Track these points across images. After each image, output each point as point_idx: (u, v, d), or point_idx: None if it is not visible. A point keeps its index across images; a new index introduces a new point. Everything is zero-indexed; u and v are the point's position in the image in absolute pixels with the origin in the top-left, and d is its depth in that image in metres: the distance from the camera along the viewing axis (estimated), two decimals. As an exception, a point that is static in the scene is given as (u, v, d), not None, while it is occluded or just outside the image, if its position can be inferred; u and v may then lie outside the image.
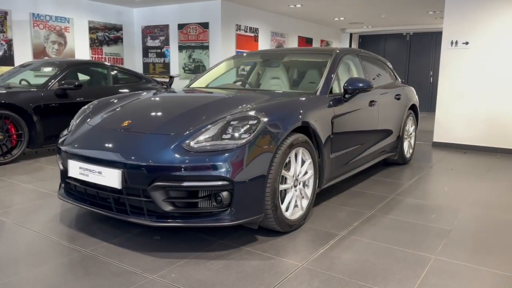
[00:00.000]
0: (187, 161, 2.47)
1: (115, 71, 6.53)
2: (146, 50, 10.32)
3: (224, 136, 2.60)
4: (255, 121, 2.67)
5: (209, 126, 2.67)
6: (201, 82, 4.44)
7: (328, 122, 3.34)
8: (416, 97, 5.60)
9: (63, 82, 5.57)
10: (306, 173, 3.07)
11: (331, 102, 3.46)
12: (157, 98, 3.55)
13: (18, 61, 8.01)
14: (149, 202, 2.55)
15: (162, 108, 3.15)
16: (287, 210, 2.89)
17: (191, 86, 4.35)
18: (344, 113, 3.60)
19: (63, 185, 3.11)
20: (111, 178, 2.58)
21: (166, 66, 9.91)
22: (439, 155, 6.09)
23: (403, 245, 2.76)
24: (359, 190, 4.08)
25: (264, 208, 2.66)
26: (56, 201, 3.57)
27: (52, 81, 5.56)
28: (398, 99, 4.91)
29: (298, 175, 2.99)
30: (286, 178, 2.88)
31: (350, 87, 3.63)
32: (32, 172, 4.65)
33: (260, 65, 4.62)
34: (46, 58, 8.56)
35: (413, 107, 5.38)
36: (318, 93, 3.51)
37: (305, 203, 3.09)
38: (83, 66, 6.21)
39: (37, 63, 6.33)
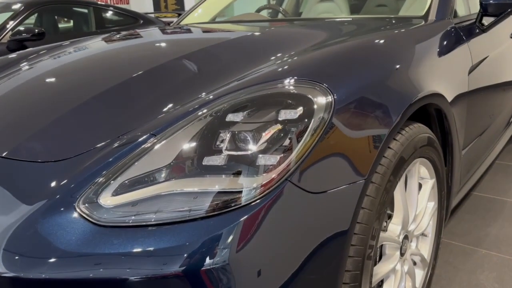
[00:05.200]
0: (82, 264, 0.76)
1: (101, 11, 4.77)
2: (156, -17, 8.42)
3: (208, 162, 0.84)
4: (300, 112, 0.88)
5: (163, 130, 0.92)
6: (203, 13, 2.62)
7: (464, 81, 1.48)
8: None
9: (21, 29, 3.91)
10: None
11: (463, 36, 1.58)
12: (78, 55, 1.68)
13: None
14: None
15: (56, 88, 1.30)
16: (384, 314, 1.16)
17: (183, 22, 2.53)
18: (484, 58, 1.71)
19: None
20: None
21: (180, 0, 8.01)
22: None
23: None
24: (488, 196, 2.24)
25: None
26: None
27: (5, 29, 3.92)
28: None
29: (410, 226, 1.22)
30: (381, 246, 1.13)
31: (492, 1, 1.69)
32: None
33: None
34: (30, 1, 6.90)
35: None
36: (430, 16, 1.62)
37: (419, 276, 1.33)
38: (52, 5, 4.48)
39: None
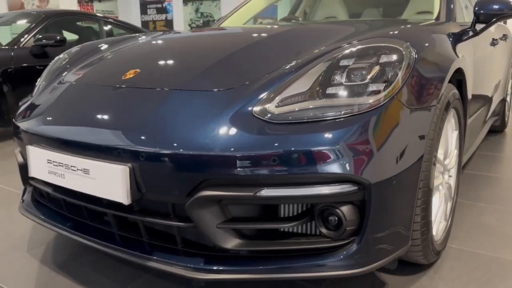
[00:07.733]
0: (266, 144, 1.15)
1: (109, 25, 5.11)
2: (144, 6, 8.82)
3: (330, 91, 1.25)
4: (395, 57, 1.31)
5: (298, 71, 1.33)
6: (231, 22, 3.05)
7: (471, 64, 1.99)
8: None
9: (40, 37, 4.18)
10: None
11: (465, 34, 2.10)
12: (175, 37, 2.17)
13: (-10, 21, 6.55)
14: (189, 228, 1.24)
15: (192, 48, 1.77)
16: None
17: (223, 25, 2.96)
18: (478, 54, 2.24)
19: (28, 189, 1.80)
20: (108, 182, 1.25)
21: (169, 24, 8.45)
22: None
23: None
24: (475, 173, 2.76)
25: (412, 233, 1.36)
26: (25, 208, 2.26)
27: (26, 36, 4.18)
28: (505, 39, 3.52)
29: (446, 160, 1.66)
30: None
31: (482, 11, 2.23)
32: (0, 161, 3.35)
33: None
34: (26, 16, 7.10)
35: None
36: (441, 19, 2.13)
37: (448, 204, 1.77)
38: (67, 17, 4.78)
39: (10, 15, 4.91)
